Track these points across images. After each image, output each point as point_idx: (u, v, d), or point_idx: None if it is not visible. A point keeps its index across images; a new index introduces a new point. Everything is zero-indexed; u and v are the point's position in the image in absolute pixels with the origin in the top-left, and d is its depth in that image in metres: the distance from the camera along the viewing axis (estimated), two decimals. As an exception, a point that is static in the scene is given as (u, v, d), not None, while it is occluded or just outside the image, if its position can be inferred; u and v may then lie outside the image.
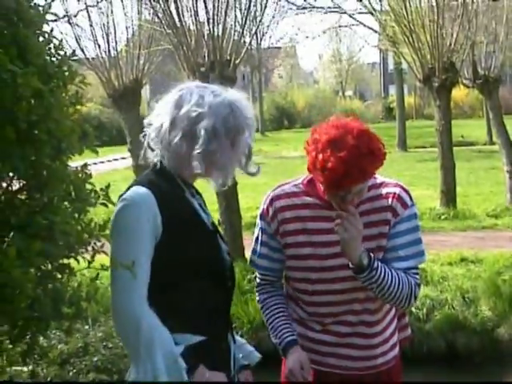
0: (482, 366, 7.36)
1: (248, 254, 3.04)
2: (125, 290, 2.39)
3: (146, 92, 26.24)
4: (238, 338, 2.87)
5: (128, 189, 2.53)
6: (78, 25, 11.12)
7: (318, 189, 2.75)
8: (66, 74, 2.19)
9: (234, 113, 2.56)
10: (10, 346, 2.18)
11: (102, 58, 11.42)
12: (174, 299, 2.53)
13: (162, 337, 2.40)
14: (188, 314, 2.53)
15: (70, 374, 3.84)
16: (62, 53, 2.20)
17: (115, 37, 11.61)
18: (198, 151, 2.49)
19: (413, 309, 7.78)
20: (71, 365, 3.93)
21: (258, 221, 2.94)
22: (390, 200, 2.75)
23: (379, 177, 2.80)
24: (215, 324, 2.60)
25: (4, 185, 2.17)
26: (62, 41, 2.24)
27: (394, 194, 2.76)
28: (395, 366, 2.93)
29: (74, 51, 2.21)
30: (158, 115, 2.57)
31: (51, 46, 2.17)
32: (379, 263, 2.66)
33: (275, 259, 2.89)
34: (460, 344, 7.65)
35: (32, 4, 2.17)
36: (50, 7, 2.13)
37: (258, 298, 3.02)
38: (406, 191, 2.80)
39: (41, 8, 2.18)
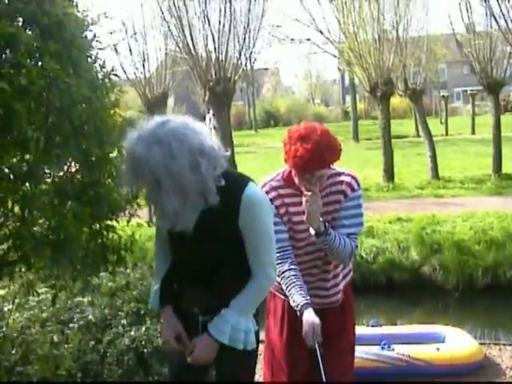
0: (410, 293, 7.42)
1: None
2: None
3: (170, 101, 26.06)
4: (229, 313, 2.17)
5: None
6: (121, 54, 11.08)
7: (294, 180, 2.66)
8: (108, 85, 2.14)
9: (132, 165, 1.82)
10: (72, 284, 2.14)
11: (139, 77, 11.37)
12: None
13: (157, 276, 2.23)
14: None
15: (117, 303, 3.82)
16: (104, 69, 2.15)
17: (148, 62, 11.58)
18: None
19: (364, 254, 7.81)
20: (118, 296, 3.91)
21: None
22: (343, 186, 2.69)
23: (338, 168, 2.72)
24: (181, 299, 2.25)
25: (65, 167, 2.13)
26: (105, 61, 2.19)
27: (346, 181, 2.69)
28: (347, 296, 2.91)
29: (113, 67, 2.16)
30: None
31: (97, 64, 2.12)
32: (331, 230, 2.62)
33: (284, 230, 2.68)
34: (396, 278, 7.66)
35: (83, 36, 2.12)
36: (94, 36, 2.08)
37: (277, 270, 2.55)
38: (355, 179, 2.72)
39: (90, 38, 2.13)
